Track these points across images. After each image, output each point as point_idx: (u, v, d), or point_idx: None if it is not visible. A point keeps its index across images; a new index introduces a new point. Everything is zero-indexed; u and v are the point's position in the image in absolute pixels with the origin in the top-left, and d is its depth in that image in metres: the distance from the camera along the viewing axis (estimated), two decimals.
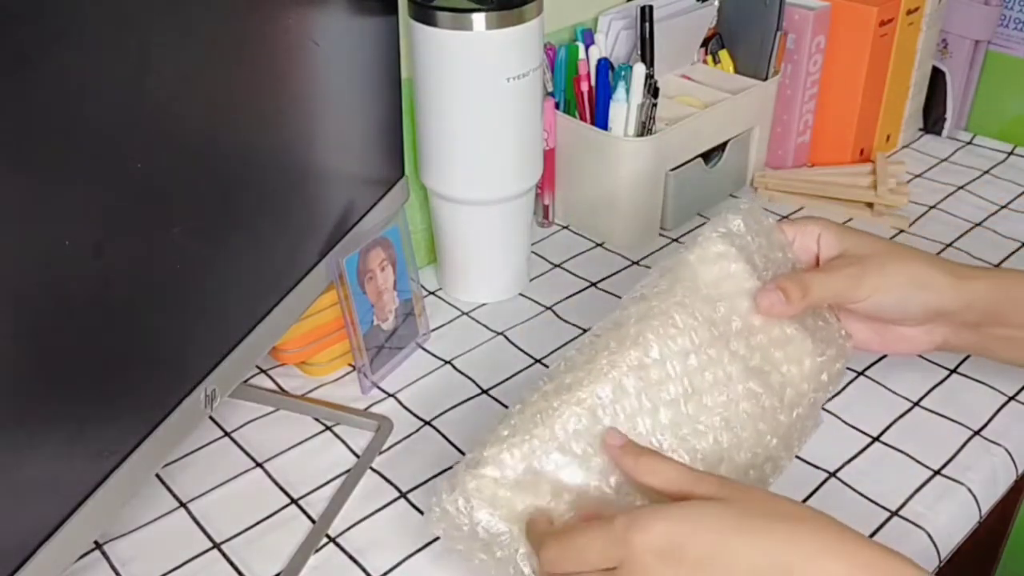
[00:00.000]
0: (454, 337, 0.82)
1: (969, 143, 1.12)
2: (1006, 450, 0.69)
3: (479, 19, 0.72)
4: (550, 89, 0.92)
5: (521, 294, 0.88)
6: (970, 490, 0.66)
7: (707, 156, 0.97)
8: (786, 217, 0.72)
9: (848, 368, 0.75)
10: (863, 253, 0.61)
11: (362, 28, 0.68)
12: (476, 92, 0.75)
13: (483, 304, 0.87)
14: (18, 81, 0.39)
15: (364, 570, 0.61)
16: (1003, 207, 0.99)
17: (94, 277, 0.46)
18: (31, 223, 0.41)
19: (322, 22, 0.63)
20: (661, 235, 0.96)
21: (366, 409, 0.74)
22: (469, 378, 0.77)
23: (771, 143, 1.05)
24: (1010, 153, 1.09)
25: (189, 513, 0.66)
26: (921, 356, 0.78)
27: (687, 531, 0.47)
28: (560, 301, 0.87)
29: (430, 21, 0.73)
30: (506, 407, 0.73)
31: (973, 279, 0.62)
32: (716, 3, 1.01)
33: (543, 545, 0.51)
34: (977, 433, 0.70)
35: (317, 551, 0.63)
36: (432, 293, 0.88)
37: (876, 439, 0.70)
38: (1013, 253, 0.91)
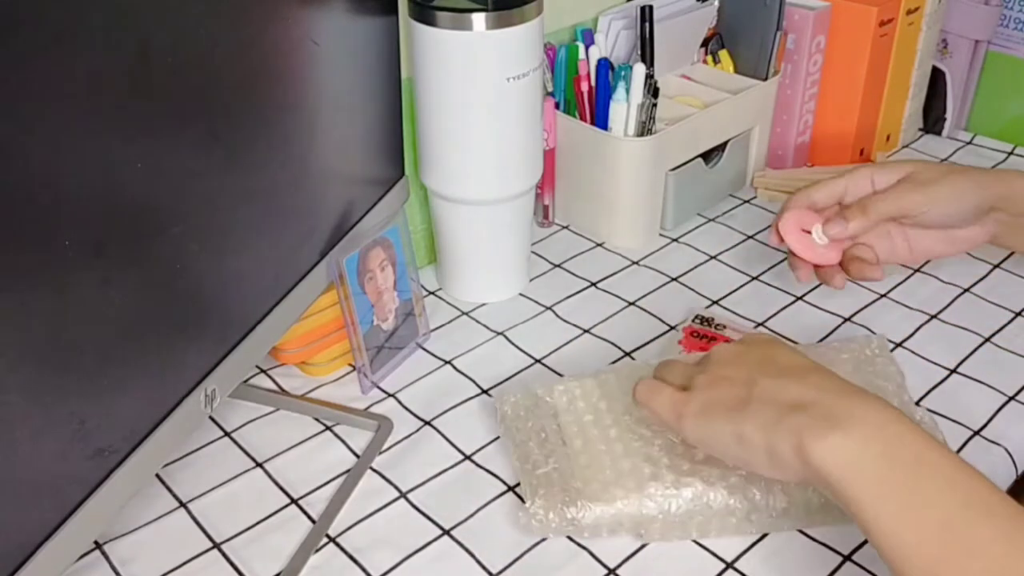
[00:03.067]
0: (454, 337, 0.82)
1: (969, 143, 1.12)
2: (1006, 450, 0.69)
3: (479, 19, 0.72)
4: (550, 89, 0.92)
5: (521, 294, 0.88)
6: None
7: (707, 156, 0.97)
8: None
9: None
10: (915, 174, 0.71)
11: (362, 28, 0.68)
12: (476, 92, 0.75)
13: (483, 304, 0.87)
14: (18, 80, 0.39)
15: (364, 570, 0.61)
16: None
17: (94, 276, 0.46)
18: (31, 222, 0.41)
19: (322, 22, 0.63)
20: (661, 235, 0.96)
21: (366, 409, 0.74)
22: (469, 378, 0.77)
23: (771, 143, 1.05)
24: (1010, 153, 1.09)
25: (189, 513, 0.66)
26: (921, 356, 0.78)
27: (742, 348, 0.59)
28: (560, 301, 0.87)
29: (430, 21, 0.73)
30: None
31: (1006, 173, 0.71)
32: (716, 3, 1.00)
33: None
34: (977, 433, 0.70)
35: (317, 551, 0.63)
36: (432, 293, 0.88)
37: None
38: (1013, 253, 0.91)
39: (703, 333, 0.79)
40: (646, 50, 0.91)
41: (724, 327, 0.79)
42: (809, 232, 0.72)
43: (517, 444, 0.66)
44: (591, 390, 0.68)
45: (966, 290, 0.86)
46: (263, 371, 0.79)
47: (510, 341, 0.82)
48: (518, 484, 0.67)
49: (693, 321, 0.80)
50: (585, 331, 0.83)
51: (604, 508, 0.60)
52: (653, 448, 0.63)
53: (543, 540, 0.63)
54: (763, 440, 0.52)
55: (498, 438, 0.71)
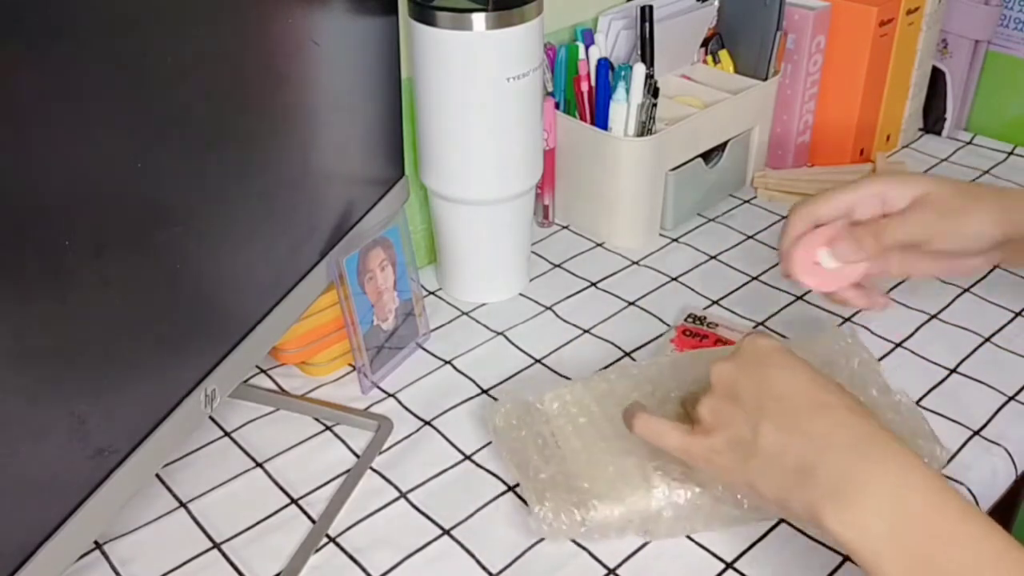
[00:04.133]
0: (454, 337, 0.82)
1: (969, 143, 1.12)
2: (1006, 450, 0.69)
3: (479, 19, 0.72)
4: (550, 89, 0.92)
5: (521, 294, 0.88)
6: (970, 490, 0.66)
7: (707, 156, 0.97)
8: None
9: None
10: (933, 198, 0.64)
11: (362, 28, 0.68)
12: (476, 92, 0.75)
13: (483, 304, 0.87)
14: (18, 80, 0.39)
15: (364, 570, 0.61)
16: None
17: (94, 276, 0.46)
18: (31, 221, 0.41)
19: (322, 22, 0.63)
20: (661, 235, 0.96)
21: (366, 409, 0.74)
22: (469, 378, 0.77)
23: (771, 143, 1.05)
24: (1010, 153, 1.09)
25: (189, 513, 0.66)
26: (921, 356, 0.78)
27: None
28: (560, 301, 0.87)
29: (430, 21, 0.73)
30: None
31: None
32: (716, 3, 1.01)
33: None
34: (977, 433, 0.70)
35: (317, 551, 0.63)
36: (432, 293, 0.88)
37: None
38: None
39: (696, 332, 0.79)
40: (646, 50, 0.91)
41: (716, 326, 0.79)
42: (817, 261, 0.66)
43: (513, 452, 0.65)
44: (582, 395, 0.67)
45: (966, 290, 0.86)
46: (263, 371, 0.79)
47: (510, 341, 0.82)
48: (517, 484, 0.67)
49: (686, 320, 0.80)
50: (585, 331, 0.83)
51: (613, 506, 0.60)
52: None
53: (542, 540, 0.63)
54: (775, 498, 0.51)
55: None
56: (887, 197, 0.64)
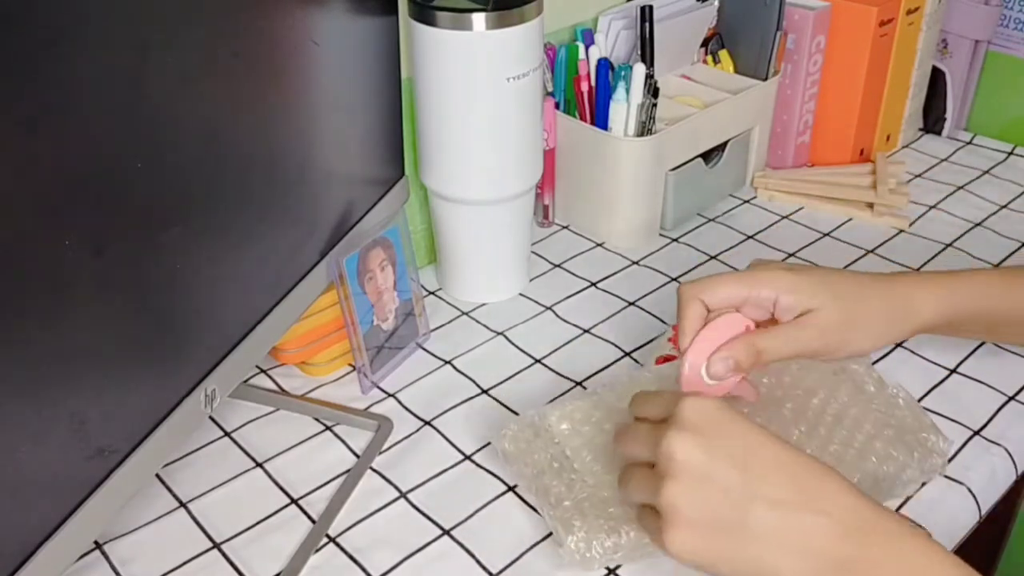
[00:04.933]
0: (454, 337, 0.82)
1: (969, 143, 1.12)
2: (1006, 450, 0.69)
3: (479, 19, 0.72)
4: (550, 89, 0.92)
5: (521, 294, 0.88)
6: (970, 490, 0.66)
7: (707, 156, 0.97)
8: (747, 266, 0.68)
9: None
10: (819, 316, 0.59)
11: (362, 28, 0.68)
12: (476, 92, 0.75)
13: (483, 304, 0.87)
14: (18, 80, 0.39)
15: (364, 570, 0.61)
16: (1003, 207, 0.99)
17: (94, 276, 0.46)
18: (31, 221, 0.41)
19: (322, 22, 0.63)
20: (661, 235, 0.96)
21: (366, 409, 0.74)
22: (469, 378, 0.77)
23: (771, 143, 1.05)
24: (1010, 153, 1.09)
25: (189, 513, 0.66)
26: (921, 356, 0.78)
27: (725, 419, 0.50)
28: (560, 301, 0.87)
29: (430, 21, 0.73)
30: (506, 407, 0.74)
31: (938, 300, 0.62)
32: (716, 3, 1.01)
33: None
34: (977, 433, 0.70)
35: (317, 551, 0.63)
36: (432, 293, 0.88)
37: None
38: (1013, 253, 0.91)
39: None
40: (646, 50, 0.91)
41: None
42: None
43: (530, 479, 0.64)
44: (590, 412, 0.65)
45: None
46: (263, 371, 0.79)
47: (510, 341, 0.82)
48: (516, 485, 0.67)
49: None
50: (585, 331, 0.83)
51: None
52: None
53: (542, 540, 0.63)
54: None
55: None
56: (780, 303, 0.60)
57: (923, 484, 0.66)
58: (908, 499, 0.65)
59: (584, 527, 0.58)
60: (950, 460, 0.67)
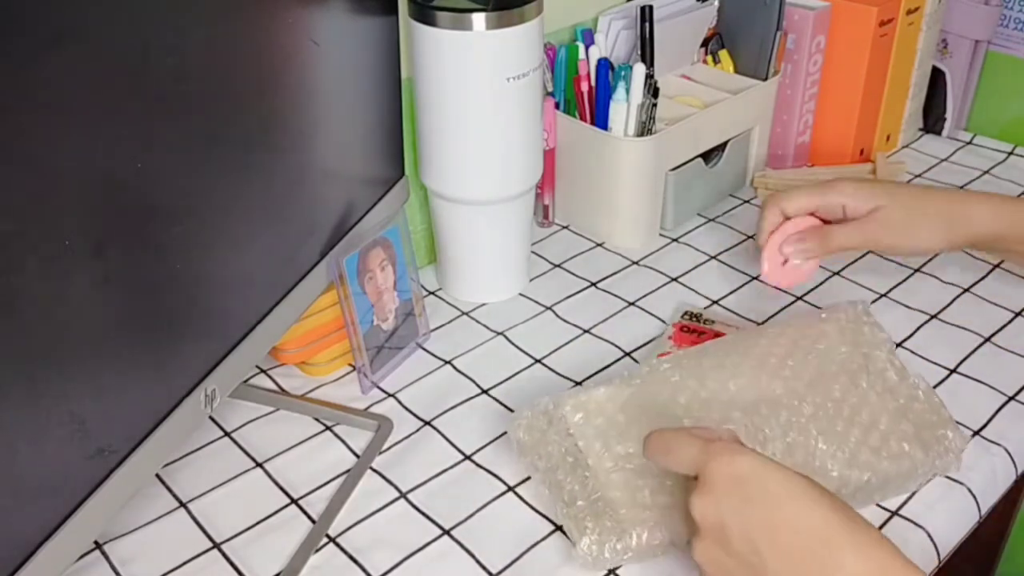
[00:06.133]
0: (454, 337, 0.82)
1: (969, 143, 1.12)
2: (1006, 450, 0.69)
3: (479, 19, 0.72)
4: (550, 89, 0.92)
5: (521, 294, 0.88)
6: (970, 490, 0.66)
7: (707, 156, 0.97)
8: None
9: None
10: (885, 212, 0.72)
11: (362, 28, 0.68)
12: (476, 92, 0.75)
13: (483, 304, 0.87)
14: (18, 79, 0.39)
15: (364, 570, 0.61)
16: None
17: (94, 276, 0.46)
18: (31, 222, 0.41)
19: (322, 22, 0.63)
20: (661, 235, 0.96)
21: (366, 409, 0.74)
22: (469, 378, 0.77)
23: (771, 143, 1.05)
24: (1010, 153, 1.09)
25: (189, 513, 0.66)
26: (921, 356, 0.78)
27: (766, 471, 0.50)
28: (560, 301, 0.87)
29: (430, 21, 0.73)
30: (507, 407, 0.74)
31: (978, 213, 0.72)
32: (716, 3, 1.01)
33: (650, 435, 0.56)
34: (977, 433, 0.70)
35: (317, 551, 0.63)
36: (432, 293, 0.88)
37: None
38: None
39: (693, 328, 0.79)
40: (646, 50, 0.91)
41: (713, 322, 0.80)
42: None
43: (544, 472, 0.64)
44: (604, 403, 0.65)
45: (966, 290, 0.86)
46: (263, 371, 0.79)
47: (510, 341, 0.82)
48: (519, 484, 0.67)
49: (683, 317, 0.81)
50: (585, 331, 0.83)
51: (655, 532, 0.58)
52: None
53: (543, 540, 0.63)
54: None
55: (499, 437, 0.71)
56: (848, 207, 0.73)
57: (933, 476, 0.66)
58: (913, 494, 0.65)
59: (596, 529, 0.59)
60: None
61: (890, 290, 0.86)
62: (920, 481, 0.65)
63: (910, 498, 0.65)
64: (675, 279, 0.89)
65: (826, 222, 0.75)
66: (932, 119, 1.14)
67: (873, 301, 0.85)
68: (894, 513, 0.64)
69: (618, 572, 0.61)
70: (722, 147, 0.98)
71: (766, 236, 0.75)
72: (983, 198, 0.73)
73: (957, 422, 0.71)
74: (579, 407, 0.64)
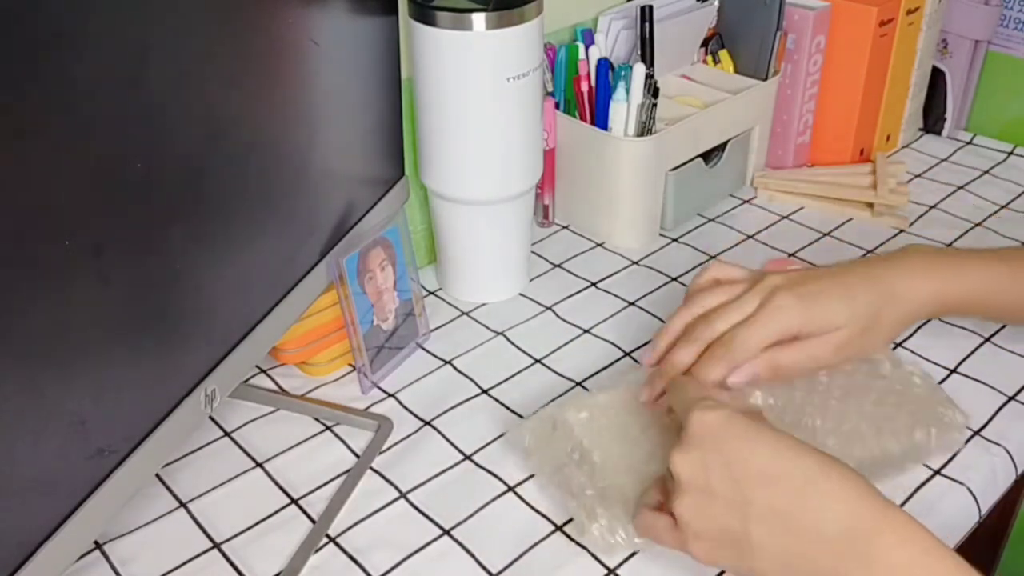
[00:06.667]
0: (454, 337, 0.82)
1: (969, 143, 1.12)
2: (1006, 450, 0.69)
3: (479, 19, 0.72)
4: (550, 89, 0.92)
5: (521, 294, 0.88)
6: (970, 490, 0.66)
7: (707, 156, 0.97)
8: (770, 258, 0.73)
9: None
10: (840, 331, 0.62)
11: (362, 28, 0.68)
12: (476, 92, 0.75)
13: (483, 304, 0.87)
14: (18, 80, 0.39)
15: (364, 570, 0.61)
16: (1003, 207, 0.99)
17: (94, 276, 0.46)
18: (31, 222, 0.41)
19: (322, 22, 0.63)
20: (661, 235, 0.96)
21: (366, 409, 0.74)
22: (469, 378, 0.77)
23: (771, 143, 1.05)
24: (1010, 153, 1.09)
25: (189, 513, 0.66)
26: (921, 356, 0.78)
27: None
28: (560, 301, 0.87)
29: (430, 21, 0.73)
30: (507, 407, 0.74)
31: (931, 298, 0.64)
32: (716, 3, 1.01)
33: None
34: (977, 433, 0.70)
35: (317, 551, 0.63)
36: (432, 293, 0.88)
37: None
38: None
39: None
40: (646, 50, 0.91)
41: None
42: None
43: (550, 473, 0.64)
44: (607, 407, 0.65)
45: None
46: (263, 371, 0.79)
47: (510, 341, 0.82)
48: (519, 484, 0.67)
49: None
50: (585, 331, 0.83)
51: None
52: None
53: (543, 539, 0.63)
54: None
55: (499, 437, 0.71)
56: (799, 333, 0.63)
57: (951, 458, 0.67)
58: (914, 493, 0.65)
59: (607, 515, 0.59)
60: (950, 460, 0.68)
61: None
62: (924, 459, 0.66)
63: (910, 498, 0.65)
64: (675, 279, 0.89)
65: None
66: (932, 119, 1.14)
67: None
68: None
69: (618, 573, 0.61)
70: (722, 147, 0.98)
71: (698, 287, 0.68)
72: (927, 275, 0.64)
73: None
74: (583, 408, 0.65)
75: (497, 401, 0.75)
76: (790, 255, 0.92)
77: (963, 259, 0.66)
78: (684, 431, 0.52)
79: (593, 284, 0.89)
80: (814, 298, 0.62)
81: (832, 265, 0.66)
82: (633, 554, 0.61)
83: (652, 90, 0.87)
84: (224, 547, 0.63)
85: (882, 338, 0.64)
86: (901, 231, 0.96)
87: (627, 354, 0.80)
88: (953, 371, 0.76)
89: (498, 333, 0.83)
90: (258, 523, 0.65)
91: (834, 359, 0.62)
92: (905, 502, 0.65)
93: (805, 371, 0.63)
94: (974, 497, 0.66)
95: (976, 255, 0.66)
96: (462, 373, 0.78)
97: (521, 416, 0.73)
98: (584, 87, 0.90)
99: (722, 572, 0.59)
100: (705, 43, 1.03)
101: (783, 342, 0.61)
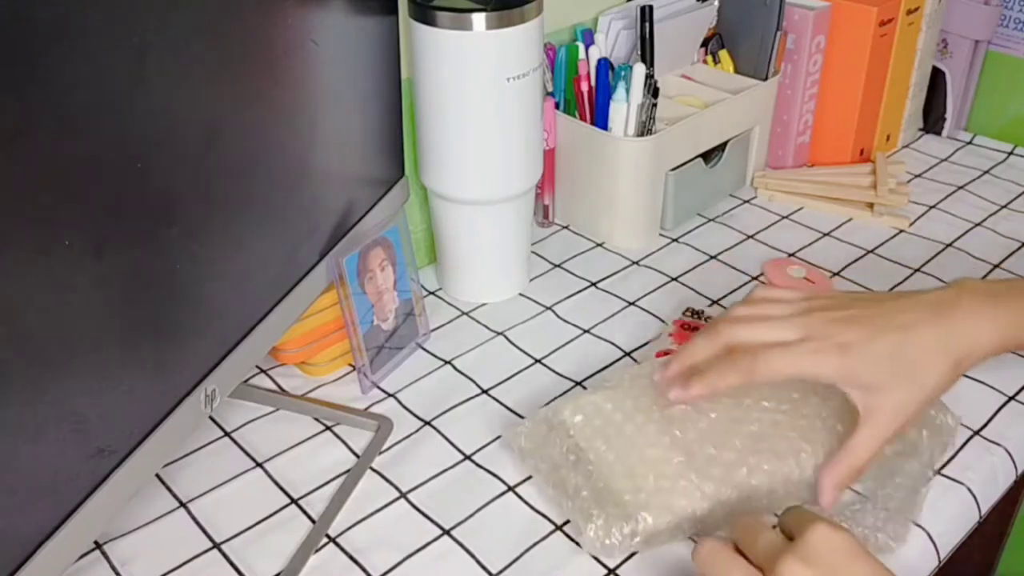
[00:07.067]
0: (454, 337, 0.82)
1: (969, 143, 1.12)
2: (1006, 450, 0.69)
3: (479, 19, 0.72)
4: (550, 89, 0.92)
5: (521, 294, 0.88)
6: (970, 490, 0.66)
7: (707, 156, 0.97)
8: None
9: None
10: (889, 395, 0.58)
11: (362, 28, 0.68)
12: (476, 92, 0.75)
13: (483, 304, 0.87)
14: (18, 80, 0.39)
15: (364, 570, 0.61)
16: (1003, 207, 0.99)
17: (94, 277, 0.46)
18: (31, 222, 0.41)
19: (322, 22, 0.63)
20: (661, 235, 0.96)
21: (366, 409, 0.74)
22: (469, 378, 0.77)
23: (771, 143, 1.05)
24: (1010, 153, 1.09)
25: (189, 513, 0.66)
26: None
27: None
28: (560, 301, 0.87)
29: (430, 21, 0.73)
30: (507, 407, 0.74)
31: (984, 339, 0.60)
32: (716, 3, 1.01)
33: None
34: (977, 433, 0.70)
35: (317, 551, 0.63)
36: (432, 293, 0.88)
37: None
38: (1013, 253, 0.91)
39: (694, 326, 0.79)
40: (646, 50, 0.91)
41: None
42: None
43: (547, 474, 0.64)
44: (601, 405, 0.66)
45: None
46: (263, 371, 0.79)
47: (510, 341, 0.82)
48: (519, 484, 0.67)
49: (684, 314, 0.81)
50: (585, 331, 0.83)
51: (662, 515, 0.59)
52: (690, 443, 0.62)
53: (543, 539, 0.63)
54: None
55: (499, 437, 0.71)
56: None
57: (951, 458, 0.67)
58: (934, 474, 0.65)
59: (602, 515, 0.59)
60: (950, 460, 0.68)
61: (890, 290, 0.86)
62: (917, 458, 0.64)
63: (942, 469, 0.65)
64: (675, 279, 0.89)
65: None
66: (932, 119, 1.14)
67: None
68: None
69: (618, 573, 0.61)
70: (722, 147, 0.98)
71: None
72: (988, 313, 0.61)
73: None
74: (578, 410, 0.65)
75: (497, 401, 0.75)
76: (790, 255, 0.92)
77: (1020, 291, 0.61)
78: (800, 540, 0.50)
79: (593, 284, 0.89)
80: (858, 353, 0.58)
81: (884, 301, 0.61)
82: (633, 554, 0.61)
83: (652, 90, 0.87)
84: (224, 547, 0.63)
85: (939, 387, 0.59)
86: (901, 231, 0.96)
87: (627, 354, 0.80)
88: None
89: (498, 333, 0.83)
90: (258, 523, 0.65)
91: (898, 425, 0.59)
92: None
93: (879, 448, 0.59)
94: (974, 497, 0.66)
95: None
96: (462, 373, 0.78)
97: (521, 416, 0.73)
98: (584, 87, 0.90)
99: None
100: (705, 43, 1.03)
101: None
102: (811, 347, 0.58)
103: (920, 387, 0.58)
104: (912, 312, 0.59)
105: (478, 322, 0.84)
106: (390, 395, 0.76)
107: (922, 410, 0.59)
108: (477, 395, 0.76)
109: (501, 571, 0.61)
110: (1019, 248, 0.92)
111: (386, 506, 0.66)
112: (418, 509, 0.66)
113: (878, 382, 0.58)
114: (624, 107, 0.87)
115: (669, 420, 0.63)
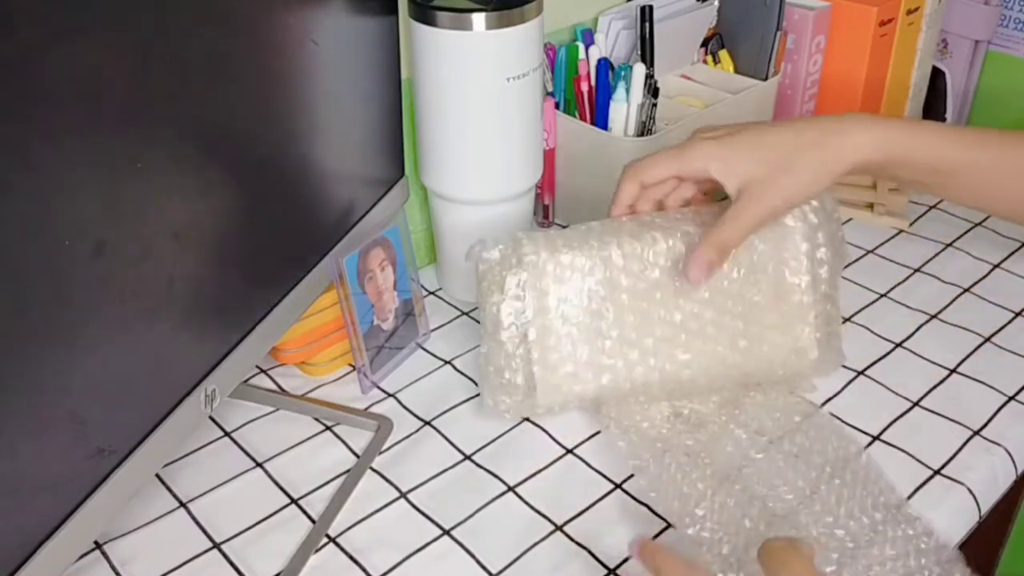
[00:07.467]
0: (454, 337, 0.82)
1: None
2: (1006, 450, 0.69)
3: (479, 19, 0.72)
4: (550, 89, 0.92)
5: None
6: (970, 490, 0.66)
7: None
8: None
9: (847, 368, 0.76)
10: (752, 188, 0.65)
11: (362, 28, 0.68)
12: (476, 92, 0.75)
13: None
14: (18, 79, 0.39)
15: (364, 570, 0.61)
16: None
17: (94, 276, 0.46)
18: (31, 221, 0.41)
19: (322, 22, 0.63)
20: None
21: (366, 409, 0.74)
22: (469, 378, 0.77)
23: None
24: None
25: (189, 513, 0.66)
26: (921, 356, 0.78)
27: None
28: None
29: (430, 21, 0.73)
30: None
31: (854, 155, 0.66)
32: (716, 3, 1.01)
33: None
34: (977, 433, 0.70)
35: (317, 551, 0.63)
36: (432, 293, 0.88)
37: (876, 439, 0.70)
38: (1013, 253, 0.91)
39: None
40: (646, 50, 0.91)
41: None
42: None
43: (488, 315, 0.69)
44: (569, 262, 0.69)
45: (966, 290, 0.86)
46: (263, 371, 0.79)
47: None
48: (519, 484, 0.67)
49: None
50: None
51: (561, 379, 0.67)
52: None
53: (543, 539, 0.63)
54: None
55: (499, 437, 0.71)
56: (711, 173, 0.67)
57: (951, 458, 0.68)
58: (913, 494, 0.65)
59: (507, 383, 0.68)
60: (949, 460, 0.68)
61: (890, 290, 0.86)
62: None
63: (910, 498, 0.65)
64: None
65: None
66: (932, 119, 1.14)
67: (873, 301, 0.85)
68: None
69: (618, 573, 0.61)
70: None
71: (622, 208, 0.72)
72: (867, 125, 0.66)
73: (956, 422, 0.71)
74: (548, 260, 0.69)
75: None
76: None
77: (917, 122, 0.68)
78: (762, 562, 0.51)
79: None
80: (722, 143, 0.66)
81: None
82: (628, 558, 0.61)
83: (652, 90, 0.87)
84: (224, 547, 0.63)
85: (807, 183, 0.65)
86: (901, 231, 0.96)
87: None
88: (953, 371, 0.76)
89: None
90: (258, 523, 0.65)
91: (765, 212, 0.65)
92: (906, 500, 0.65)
93: (745, 233, 0.66)
94: (974, 497, 0.66)
95: (933, 124, 0.68)
96: (462, 373, 0.78)
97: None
98: (584, 87, 0.90)
99: None
100: (705, 43, 1.03)
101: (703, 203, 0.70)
102: (691, 141, 0.68)
103: (788, 173, 0.65)
104: (795, 120, 0.68)
105: (478, 322, 0.84)
106: (390, 395, 0.76)
107: (793, 198, 0.66)
108: (477, 395, 0.76)
109: (501, 571, 0.61)
110: (1019, 248, 0.92)
111: (386, 506, 0.66)
112: (418, 509, 0.66)
113: (747, 168, 0.65)
114: (624, 107, 0.87)
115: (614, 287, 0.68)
